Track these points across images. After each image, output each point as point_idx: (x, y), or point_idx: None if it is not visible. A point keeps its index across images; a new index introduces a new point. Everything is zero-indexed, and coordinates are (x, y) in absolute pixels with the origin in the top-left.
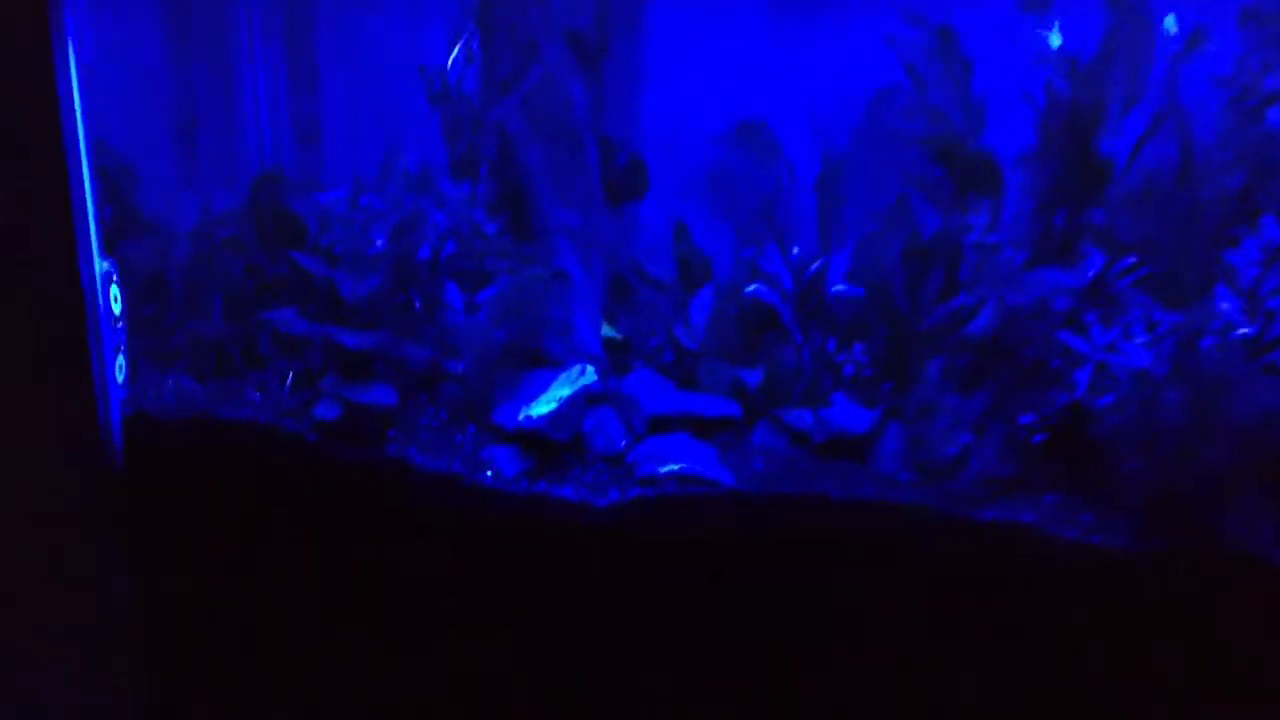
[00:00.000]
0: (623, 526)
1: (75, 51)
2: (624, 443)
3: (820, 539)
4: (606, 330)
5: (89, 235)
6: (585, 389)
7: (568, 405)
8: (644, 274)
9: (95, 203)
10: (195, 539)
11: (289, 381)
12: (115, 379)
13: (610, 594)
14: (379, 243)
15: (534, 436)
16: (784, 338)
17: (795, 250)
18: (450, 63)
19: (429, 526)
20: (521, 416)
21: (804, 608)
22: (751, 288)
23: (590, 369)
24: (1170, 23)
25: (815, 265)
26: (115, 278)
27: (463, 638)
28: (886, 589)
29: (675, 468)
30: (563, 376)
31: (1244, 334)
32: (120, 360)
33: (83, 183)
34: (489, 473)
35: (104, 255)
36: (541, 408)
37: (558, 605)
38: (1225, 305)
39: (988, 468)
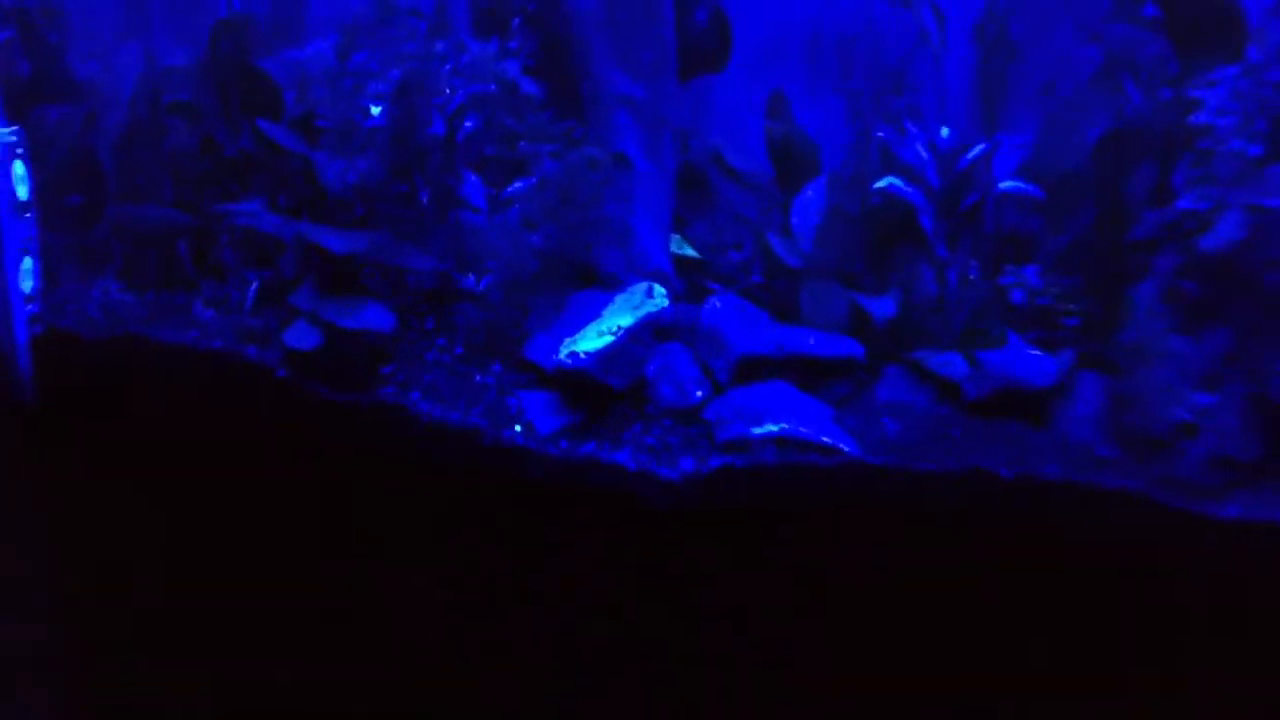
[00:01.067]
0: (699, 509)
1: None
2: (701, 393)
3: (981, 535)
4: (678, 244)
5: None
6: (651, 318)
7: (627, 339)
8: (727, 165)
9: None
10: (122, 496)
11: (252, 296)
12: (19, 286)
13: (678, 605)
14: (375, 113)
15: (580, 381)
16: (925, 252)
17: (944, 132)
18: None
19: (435, 497)
20: (564, 353)
21: (956, 634)
22: (882, 183)
23: (660, 291)
24: None
25: (973, 153)
26: (21, 151)
27: (468, 644)
28: (1078, 612)
29: (773, 429)
30: (620, 300)
31: None
32: (27, 262)
33: None
34: (518, 427)
35: (4, 120)
36: (591, 342)
37: (605, 617)
38: None
39: (1225, 444)
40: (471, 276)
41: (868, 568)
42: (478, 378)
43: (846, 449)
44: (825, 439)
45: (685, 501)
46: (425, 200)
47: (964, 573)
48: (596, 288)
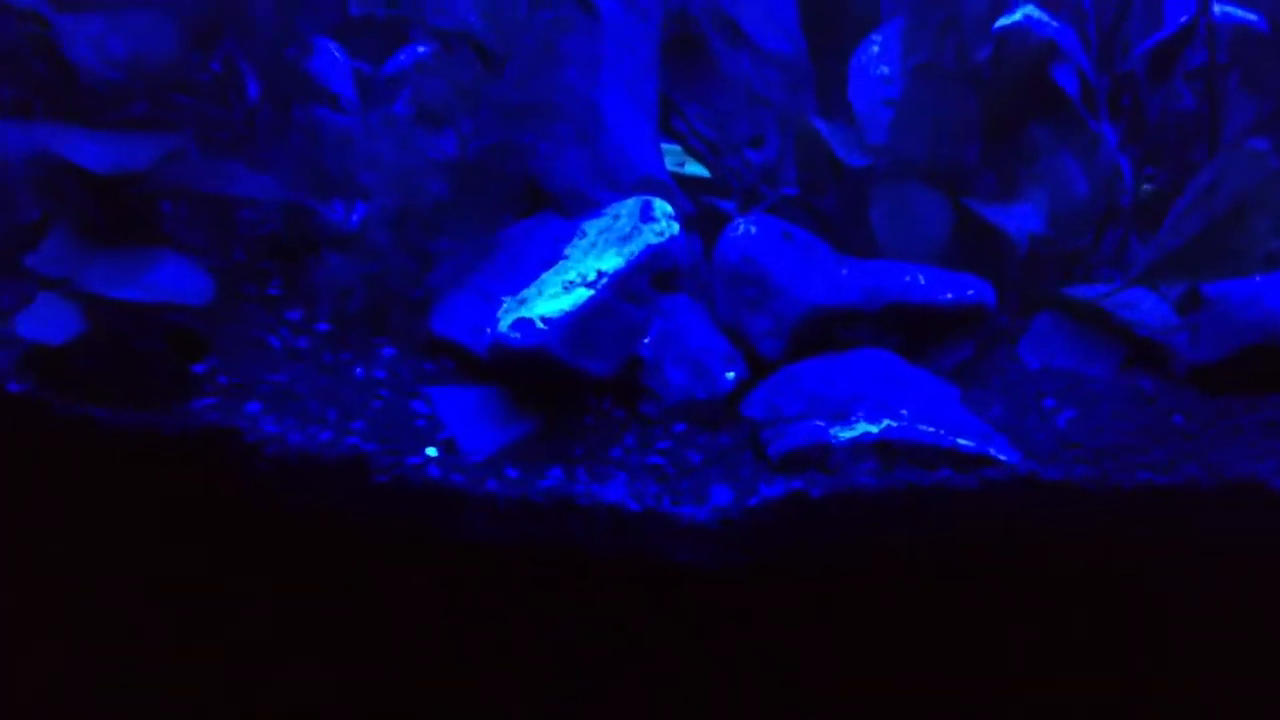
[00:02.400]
0: (747, 573)
1: None
2: (733, 374)
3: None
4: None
5: None
6: (652, 256)
7: (611, 295)
8: (735, 26)
9: None
10: None
11: None
12: None
13: None
14: None
15: (533, 367)
16: (1079, 129)
17: None
18: None
19: (291, 583)
20: (506, 323)
21: None
22: (1013, 16)
23: (662, 209)
24: None
25: None
26: None
27: None
28: None
29: (871, 431)
30: (594, 231)
31: None
32: None
33: None
34: (431, 451)
35: None
36: (552, 302)
37: None
38: None
39: None
40: (338, 206)
41: (1059, 664)
42: (358, 371)
43: (1005, 458)
44: (964, 443)
45: (724, 561)
46: (252, 88)
47: (1231, 658)
48: (549, 213)
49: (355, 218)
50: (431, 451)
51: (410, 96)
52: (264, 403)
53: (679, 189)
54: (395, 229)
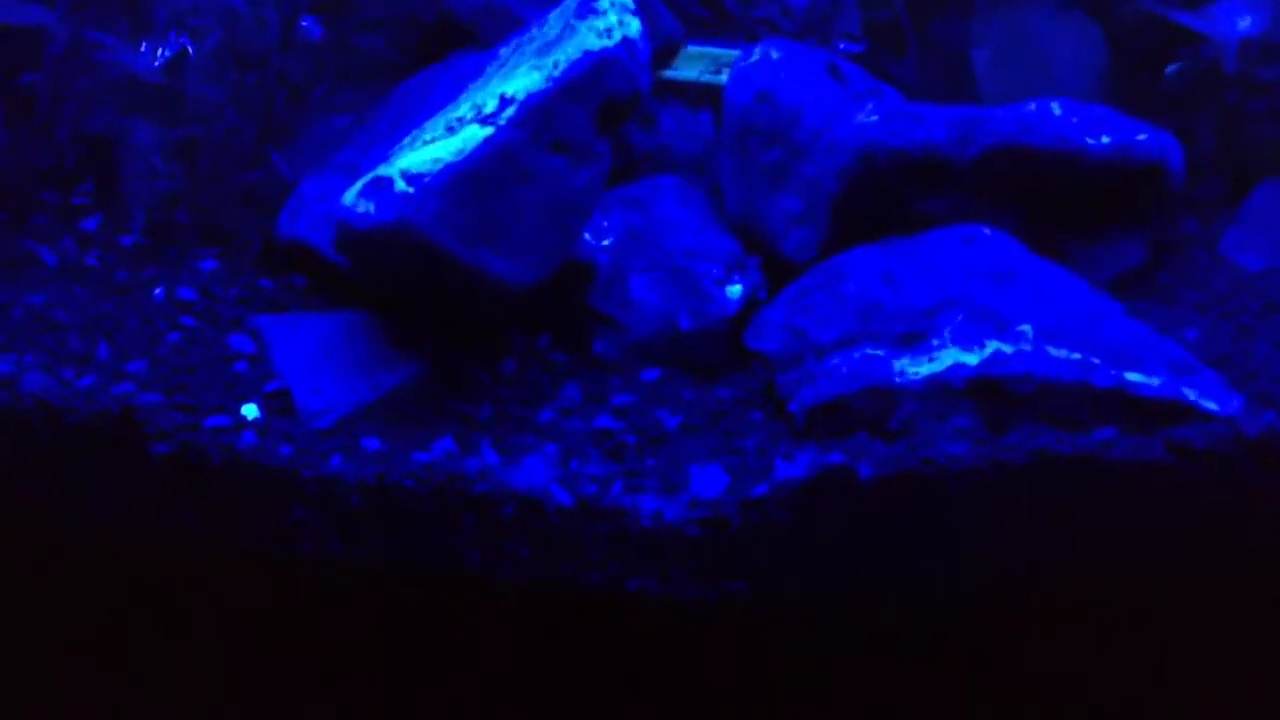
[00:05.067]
0: (750, 634)
1: None
2: (738, 288)
3: None
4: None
5: None
6: (592, 67)
7: (522, 136)
8: None
9: None
10: None
11: None
12: None
13: None
14: None
15: (396, 260)
16: None
17: None
18: None
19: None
20: (353, 192)
21: None
22: None
23: (613, 1)
24: None
25: None
26: None
27: None
28: None
29: (968, 362)
30: (513, 47)
31: None
32: None
33: None
34: (250, 409)
35: None
36: (426, 150)
37: None
38: None
39: None
40: (146, 46)
41: None
42: (157, 292)
43: (1215, 406)
44: (1140, 380)
45: (708, 591)
46: None
47: None
48: (461, 52)
49: (159, 61)
50: (250, 410)
51: None
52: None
53: (666, 8)
54: (229, 80)
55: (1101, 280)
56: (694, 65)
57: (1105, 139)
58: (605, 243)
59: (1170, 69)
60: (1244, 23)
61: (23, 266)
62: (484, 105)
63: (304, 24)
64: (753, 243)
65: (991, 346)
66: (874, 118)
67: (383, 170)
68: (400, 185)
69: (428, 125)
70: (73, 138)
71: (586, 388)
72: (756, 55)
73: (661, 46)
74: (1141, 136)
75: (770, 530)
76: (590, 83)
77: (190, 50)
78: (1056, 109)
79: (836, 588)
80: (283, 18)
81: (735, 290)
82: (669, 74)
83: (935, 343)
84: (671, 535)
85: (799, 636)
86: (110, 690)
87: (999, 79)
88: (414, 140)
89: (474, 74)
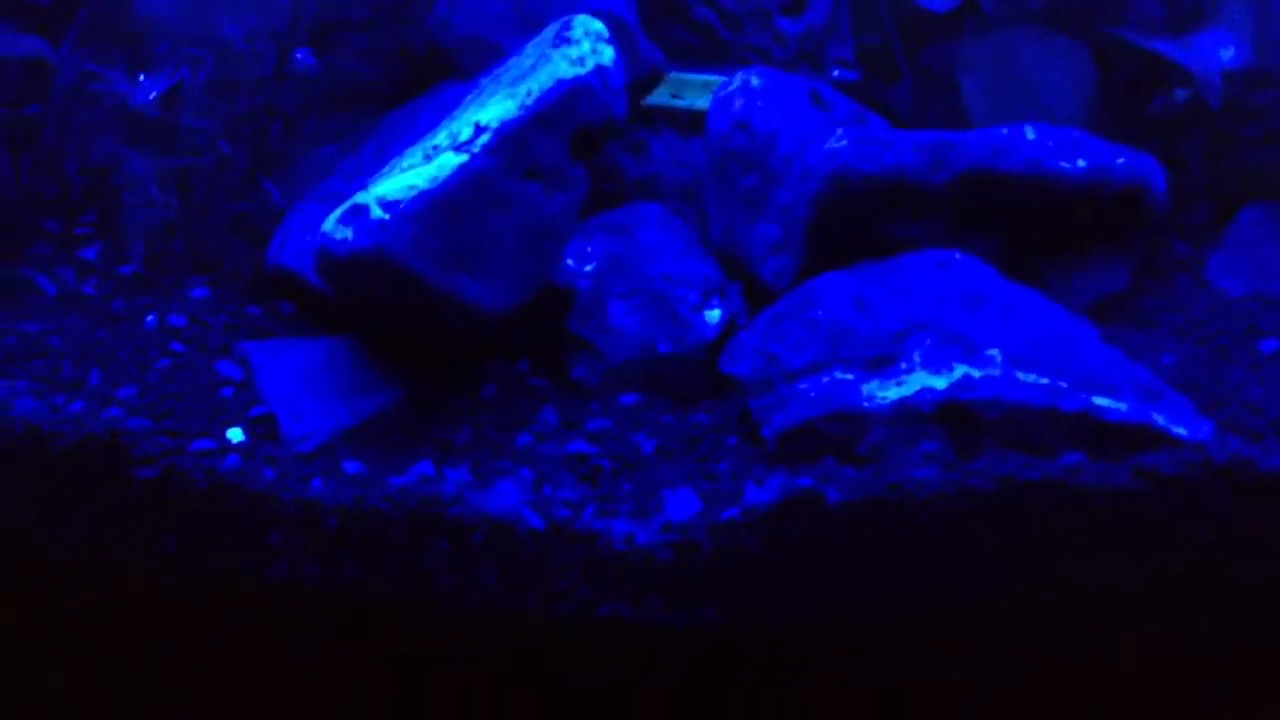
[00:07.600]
0: (736, 640)
1: None
2: (717, 313)
3: None
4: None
5: None
6: (565, 94)
7: (495, 163)
8: None
9: None
10: None
11: None
12: None
13: None
14: None
15: (373, 287)
16: None
17: None
18: None
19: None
20: (333, 219)
21: None
22: None
23: (588, 28)
24: None
25: None
26: None
27: None
28: None
29: (936, 385)
30: (491, 77)
31: None
32: None
33: None
34: (235, 433)
35: None
36: (401, 177)
37: None
38: None
39: None
40: (145, 80)
41: None
42: (150, 319)
43: (1185, 432)
44: (1108, 405)
45: (678, 616)
46: None
47: None
48: (446, 82)
49: (155, 93)
50: (235, 434)
51: None
52: None
53: (647, 38)
54: (222, 111)
55: (1082, 305)
56: (697, 93)
57: (1081, 163)
58: (588, 268)
59: (1158, 101)
60: (1227, 53)
61: (21, 294)
62: (459, 133)
63: (298, 55)
64: (735, 269)
65: (960, 370)
66: (843, 142)
67: (360, 198)
68: (376, 212)
69: (406, 153)
70: (78, 169)
71: (564, 413)
72: (736, 82)
73: (646, 76)
74: (1120, 160)
75: (739, 554)
76: (563, 110)
77: (186, 82)
78: (1030, 133)
79: (802, 613)
80: (278, 49)
81: (714, 316)
82: (653, 100)
83: (904, 366)
84: (643, 559)
85: (766, 661)
86: (94, 715)
87: (987, 104)
88: (392, 168)
89: (455, 104)
